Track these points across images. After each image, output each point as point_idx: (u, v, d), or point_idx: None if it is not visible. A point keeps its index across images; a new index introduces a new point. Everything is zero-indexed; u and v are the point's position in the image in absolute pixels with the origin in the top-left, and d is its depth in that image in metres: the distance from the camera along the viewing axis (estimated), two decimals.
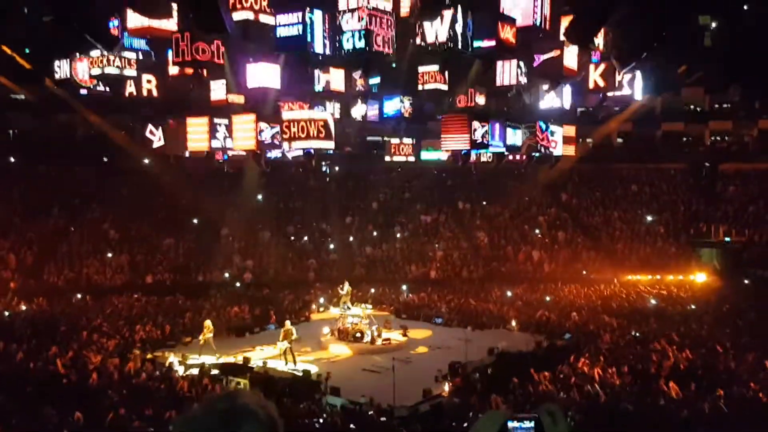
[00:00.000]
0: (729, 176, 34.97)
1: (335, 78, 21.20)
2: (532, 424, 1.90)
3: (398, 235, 35.14)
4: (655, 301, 25.44)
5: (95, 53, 20.34)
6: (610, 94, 21.69)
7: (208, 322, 21.33)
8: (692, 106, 37.87)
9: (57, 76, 23.05)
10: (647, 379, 15.43)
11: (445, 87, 21.65)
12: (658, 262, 30.60)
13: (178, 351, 20.79)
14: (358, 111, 25.10)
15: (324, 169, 39.10)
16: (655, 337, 19.95)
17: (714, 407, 12.64)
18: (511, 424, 1.91)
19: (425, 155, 28.86)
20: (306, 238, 34.57)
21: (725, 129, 37.43)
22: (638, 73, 21.91)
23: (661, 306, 24.98)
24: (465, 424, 13.31)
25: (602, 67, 20.72)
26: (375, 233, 35.23)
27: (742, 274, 28.68)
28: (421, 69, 21.23)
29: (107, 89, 22.49)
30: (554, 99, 24.25)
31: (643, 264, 30.79)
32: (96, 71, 20.72)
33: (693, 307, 24.55)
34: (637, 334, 20.76)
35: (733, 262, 30.21)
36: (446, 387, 17.42)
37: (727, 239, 31.35)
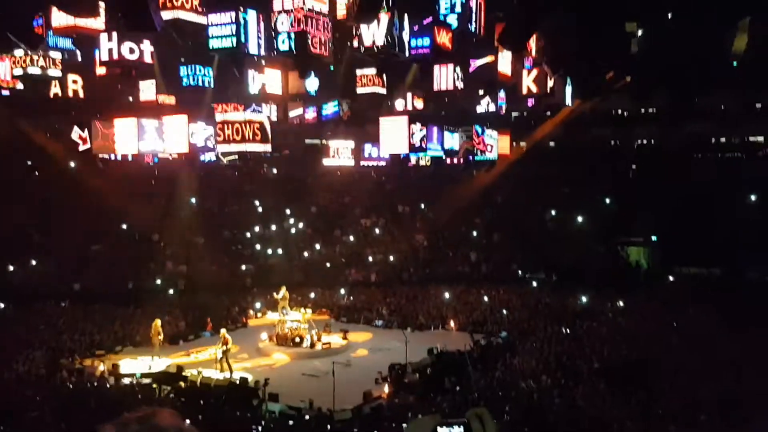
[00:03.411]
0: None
1: (271, 79, 20.97)
2: (461, 428, 1.89)
3: (338, 239, 35.01)
4: (586, 299, 26.20)
5: (18, 53, 19.48)
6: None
7: (157, 323, 20.95)
8: (620, 111, 39.33)
9: None
10: (577, 376, 15.88)
11: (383, 90, 21.79)
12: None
13: (108, 360, 20.05)
14: (295, 113, 24.92)
15: (261, 172, 38.56)
16: (586, 334, 20.58)
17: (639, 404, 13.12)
18: (440, 430, 1.90)
19: (364, 159, 28.88)
20: (242, 243, 33.99)
21: (651, 133, 39.03)
22: (568, 79, 22.60)
23: (592, 304, 25.75)
24: (404, 425, 13.35)
25: (534, 72, 21.32)
26: (314, 237, 34.97)
27: (669, 271, 29.94)
28: (359, 72, 21.29)
29: (29, 89, 21.56)
30: (489, 104, 24.77)
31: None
32: (19, 71, 19.86)
33: (621, 304, 25.42)
34: (568, 331, 21.34)
35: (660, 259, 31.54)
36: (386, 389, 17.45)
37: (654, 238, 32.70)
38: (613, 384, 14.76)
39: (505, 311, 25.05)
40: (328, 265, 33.05)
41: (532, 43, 20.25)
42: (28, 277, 28.15)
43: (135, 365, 19.69)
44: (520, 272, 31.91)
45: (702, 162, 36.42)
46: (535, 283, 30.23)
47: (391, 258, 33.57)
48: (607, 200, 34.96)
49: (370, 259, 33.66)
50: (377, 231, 36.02)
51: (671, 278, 29.67)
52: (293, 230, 35.52)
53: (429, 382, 17.40)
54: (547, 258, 31.65)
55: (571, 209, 34.62)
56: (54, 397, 14.85)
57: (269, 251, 33.40)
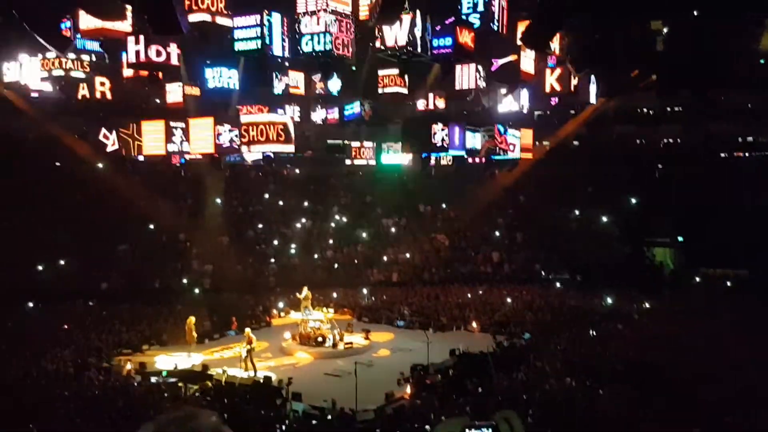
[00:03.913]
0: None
1: (295, 81, 21.13)
2: (490, 431, 1.91)
3: (359, 239, 35.11)
4: (611, 300, 25.96)
5: (48, 55, 19.87)
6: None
7: (191, 320, 21.50)
8: (645, 110, 38.88)
9: (6, 79, 22.44)
10: (602, 379, 15.72)
11: (405, 90, 21.82)
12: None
13: (135, 358, 20.36)
14: (318, 114, 25.07)
15: (284, 172, 38.84)
16: (611, 336, 20.37)
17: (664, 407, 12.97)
18: None
19: (386, 158, 28.92)
20: (266, 242, 34.26)
21: (676, 132, 38.54)
22: (592, 78, 22.42)
23: (617, 305, 25.50)
24: (427, 427, 13.36)
25: (558, 71, 21.15)
26: (336, 237, 35.13)
27: (695, 273, 29.53)
28: (381, 72, 21.35)
29: (59, 91, 21.98)
30: (512, 103, 24.66)
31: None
32: (47, 74, 20.25)
33: (647, 305, 25.14)
34: (594, 333, 21.15)
35: (686, 260, 31.12)
36: (408, 389, 17.46)
37: (680, 238, 32.27)
38: (638, 387, 14.60)
39: (528, 312, 24.86)
40: (349, 264, 33.16)
41: (556, 41, 20.13)
42: (56, 277, 28.65)
43: (170, 361, 20.09)
44: (543, 273, 31.71)
45: (728, 161, 35.89)
46: (558, 284, 30.01)
47: (413, 258, 33.57)
48: (632, 200, 34.58)
49: (392, 258, 33.68)
50: (399, 231, 36.03)
51: (697, 279, 29.27)
52: (316, 230, 35.68)
53: (451, 383, 17.35)
54: (571, 258, 31.41)
55: (595, 209, 34.32)
56: (82, 395, 15.11)
57: (292, 251, 33.62)
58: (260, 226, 35.24)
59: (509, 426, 1.91)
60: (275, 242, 34.25)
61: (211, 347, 22.72)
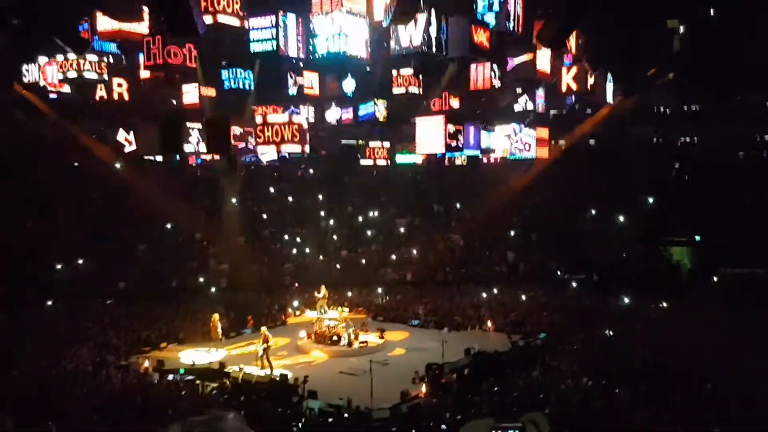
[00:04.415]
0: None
1: (309, 81, 21.20)
2: None
3: (374, 238, 35.17)
4: (628, 300, 25.78)
5: (67, 57, 20.09)
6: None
7: (216, 316, 22.40)
8: (662, 109, 38.55)
9: (25, 80, 22.72)
10: (618, 379, 15.63)
11: (419, 90, 21.79)
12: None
13: (154, 357, 20.57)
14: (332, 114, 25.13)
15: (299, 173, 39.01)
16: (628, 337, 20.22)
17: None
18: None
19: (400, 158, 28.97)
20: (281, 242, 34.43)
21: (693, 131, 38.18)
22: (609, 76, 22.27)
23: (634, 305, 25.31)
24: (442, 426, 13.37)
25: (574, 70, 21.04)
26: (351, 236, 35.21)
27: (713, 272, 29.22)
28: (395, 72, 21.35)
29: (76, 93, 22.18)
30: (527, 102, 24.56)
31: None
32: (66, 75, 20.46)
33: (664, 305, 24.94)
34: (611, 333, 21.01)
35: (704, 259, 30.79)
36: (423, 388, 17.48)
37: (697, 238, 31.95)
38: (655, 388, 14.50)
39: (544, 312, 24.76)
40: (364, 264, 33.22)
41: (572, 40, 20.03)
42: (75, 276, 29.01)
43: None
44: (558, 272, 31.52)
45: (746, 160, 35.46)
46: (574, 284, 29.83)
47: (427, 257, 33.55)
48: (649, 199, 34.28)
49: (406, 258, 33.69)
50: (413, 230, 36.02)
51: (715, 279, 28.96)
52: (330, 229, 35.80)
53: (466, 382, 17.36)
54: (586, 258, 31.19)
55: (611, 208, 34.05)
56: (100, 393, 15.29)
57: (307, 250, 33.75)
58: (275, 226, 35.41)
59: (537, 428, 1.92)
60: (290, 242, 34.39)
61: (227, 345, 22.89)
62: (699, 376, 15.45)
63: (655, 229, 32.34)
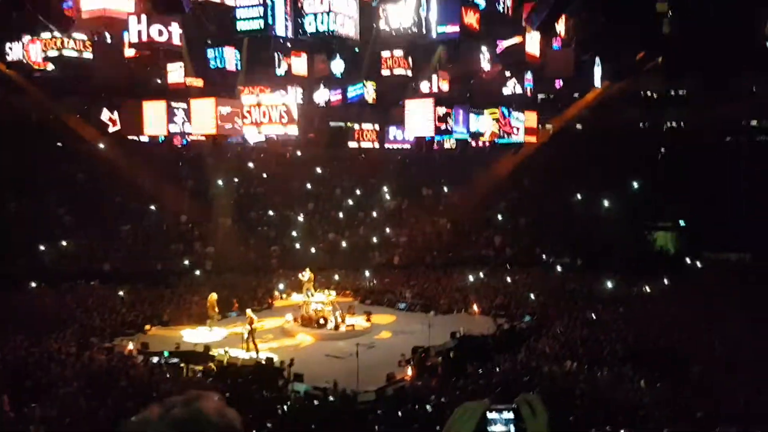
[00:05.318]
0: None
1: (297, 62, 20.97)
2: (511, 414, 1.90)
3: (361, 221, 35.10)
4: (612, 284, 25.96)
5: (51, 35, 19.74)
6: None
7: (213, 296, 22.28)
8: (649, 93, 38.62)
9: (9, 58, 22.31)
10: (602, 362, 15.78)
11: (408, 72, 21.65)
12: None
13: (138, 340, 20.47)
14: (321, 96, 24.91)
15: (286, 154, 38.70)
16: (612, 320, 20.40)
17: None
18: (489, 415, 1.90)
19: (389, 141, 28.83)
20: (268, 224, 34.26)
21: (680, 116, 38.32)
22: (597, 60, 22.26)
23: (617, 289, 25.50)
24: (428, 407, 13.44)
25: (563, 53, 20.98)
26: (338, 219, 35.11)
27: (698, 257, 29.49)
28: (385, 54, 21.17)
29: (60, 71, 21.82)
30: (516, 86, 24.50)
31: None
32: (50, 53, 20.11)
33: (647, 289, 25.15)
34: (594, 316, 21.16)
35: (688, 244, 31.07)
36: (409, 371, 17.54)
37: (682, 222, 32.20)
38: (638, 370, 14.65)
39: (532, 295, 24.88)
40: (351, 247, 33.16)
41: (561, 23, 19.97)
42: (58, 257, 28.73)
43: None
44: (544, 256, 31.69)
45: (733, 145, 35.69)
46: (560, 268, 30.01)
47: (415, 241, 33.56)
48: (635, 184, 34.46)
49: (393, 241, 33.68)
50: (401, 214, 35.99)
51: (699, 264, 29.23)
52: (318, 212, 35.66)
53: (452, 365, 17.45)
54: (572, 242, 31.37)
55: (598, 193, 34.20)
56: (84, 374, 15.18)
57: (294, 233, 33.62)
58: (262, 208, 35.21)
59: (531, 409, 1.89)
60: (277, 224, 34.24)
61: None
62: (682, 359, 15.64)
63: (640, 214, 32.56)
